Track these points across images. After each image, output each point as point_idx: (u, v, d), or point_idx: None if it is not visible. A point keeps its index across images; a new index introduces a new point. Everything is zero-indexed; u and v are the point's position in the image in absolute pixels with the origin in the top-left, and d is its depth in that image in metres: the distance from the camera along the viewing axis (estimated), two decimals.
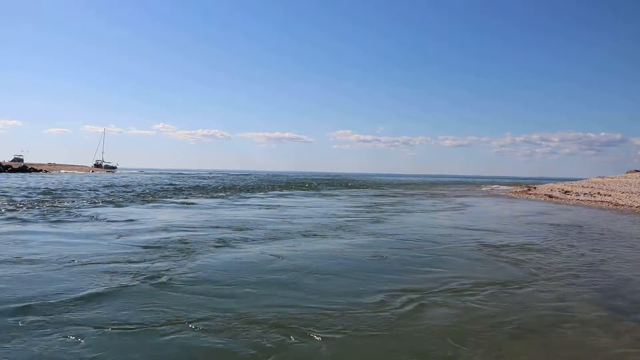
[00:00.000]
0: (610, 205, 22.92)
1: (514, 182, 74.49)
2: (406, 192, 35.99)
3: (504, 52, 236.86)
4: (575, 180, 42.36)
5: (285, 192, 32.84)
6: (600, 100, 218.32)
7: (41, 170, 68.66)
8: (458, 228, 13.17)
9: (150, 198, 22.20)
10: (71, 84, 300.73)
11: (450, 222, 14.95)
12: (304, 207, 19.23)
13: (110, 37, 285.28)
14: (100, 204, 18.09)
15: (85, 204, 17.79)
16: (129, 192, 26.72)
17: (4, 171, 61.53)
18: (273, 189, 36.71)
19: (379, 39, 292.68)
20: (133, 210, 15.86)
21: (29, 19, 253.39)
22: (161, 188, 32.03)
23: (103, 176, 61.29)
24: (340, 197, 27.52)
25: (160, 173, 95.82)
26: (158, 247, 8.57)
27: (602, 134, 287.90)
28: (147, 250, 8.33)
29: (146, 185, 36.17)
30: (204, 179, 60.47)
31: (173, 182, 42.93)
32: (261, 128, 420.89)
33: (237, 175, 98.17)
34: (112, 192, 26.21)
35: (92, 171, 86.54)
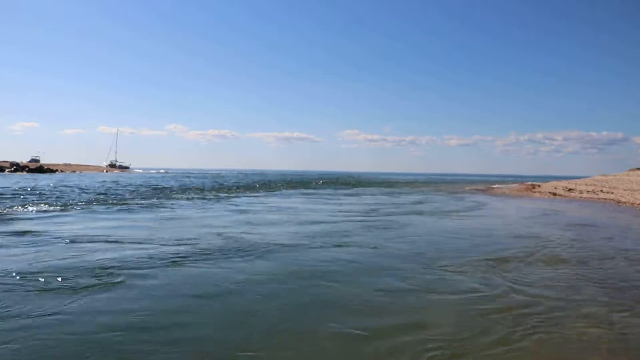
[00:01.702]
0: (613, 203, 24.19)
1: (519, 180, 75.57)
2: (423, 189, 37.34)
3: (508, 52, 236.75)
4: (579, 178, 43.52)
5: (283, 191, 34.18)
6: (602, 99, 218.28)
7: (57, 171, 70.43)
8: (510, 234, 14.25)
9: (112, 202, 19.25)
10: (86, 86, 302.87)
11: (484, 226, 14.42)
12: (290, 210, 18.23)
13: (123, 39, 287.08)
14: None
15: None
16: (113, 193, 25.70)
17: (22, 171, 63.40)
18: (277, 188, 37.63)
19: (384, 39, 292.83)
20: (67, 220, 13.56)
21: (45, 21, 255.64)
22: (154, 188, 32.06)
23: (108, 176, 62.99)
24: (341, 201, 26.47)
25: (166, 173, 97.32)
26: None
27: (605, 133, 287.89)
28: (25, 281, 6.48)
29: (138, 185, 35.54)
30: (204, 178, 62.47)
31: (169, 182, 43.26)
32: (270, 128, 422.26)
33: (245, 174, 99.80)
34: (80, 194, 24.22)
35: (106, 171, 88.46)
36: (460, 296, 6.22)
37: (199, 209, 17.58)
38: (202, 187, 34.92)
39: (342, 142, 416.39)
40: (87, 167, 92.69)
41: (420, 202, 23.77)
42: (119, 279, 6.68)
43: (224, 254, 8.60)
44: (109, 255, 8.27)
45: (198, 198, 23.38)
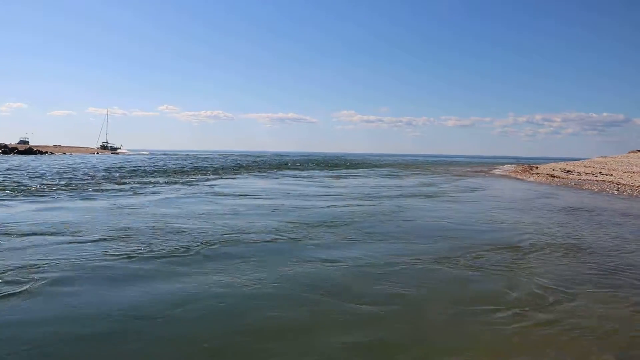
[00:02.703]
0: (612, 185, 23.31)
1: (517, 162, 74.74)
2: (422, 172, 36.44)
3: (506, 33, 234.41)
4: (578, 160, 42.63)
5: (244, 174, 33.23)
6: (603, 80, 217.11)
7: (47, 152, 69.19)
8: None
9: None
10: (75, 66, 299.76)
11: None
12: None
13: (113, 20, 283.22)
14: None
15: None
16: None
17: (10, 153, 62.09)
18: (250, 170, 36.83)
19: (382, 20, 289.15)
20: None
21: (33, 1, 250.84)
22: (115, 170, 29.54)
23: (88, 157, 61.82)
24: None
25: (152, 155, 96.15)
26: None
27: (605, 114, 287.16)
28: None
29: (114, 168, 33.53)
30: (189, 160, 59.30)
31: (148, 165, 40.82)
32: (264, 109, 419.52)
33: (235, 155, 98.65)
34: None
35: (97, 152, 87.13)
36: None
37: (156, 195, 15.41)
38: (176, 170, 32.77)
39: (337, 122, 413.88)
40: (77, 149, 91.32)
41: (427, 185, 22.83)
42: (21, 288, 5.17)
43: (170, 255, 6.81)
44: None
45: (165, 183, 20.64)
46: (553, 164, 39.51)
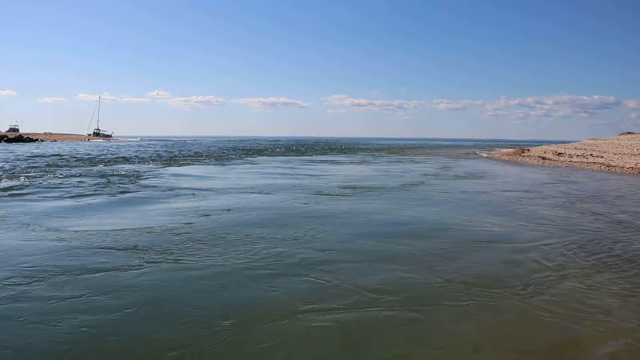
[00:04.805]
0: (603, 167, 23.71)
1: (509, 145, 75.32)
2: (415, 157, 36.63)
3: (497, 15, 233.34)
4: (569, 142, 43.07)
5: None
6: (594, 63, 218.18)
7: (37, 140, 68.44)
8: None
9: None
10: (64, 53, 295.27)
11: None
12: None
13: (102, 5, 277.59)
14: None
15: None
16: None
17: (0, 141, 61.37)
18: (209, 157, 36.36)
19: (374, 3, 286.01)
20: None
21: None
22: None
23: (84, 145, 61.33)
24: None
25: (139, 141, 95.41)
26: None
27: (596, 96, 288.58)
28: None
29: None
30: (169, 146, 56.38)
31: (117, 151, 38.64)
32: (256, 93, 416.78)
33: (225, 141, 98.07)
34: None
35: (88, 140, 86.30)
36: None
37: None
38: (144, 158, 29.63)
39: (328, 106, 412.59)
40: (69, 136, 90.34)
41: (424, 174, 23.05)
42: None
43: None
44: None
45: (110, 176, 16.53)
46: (544, 147, 39.91)
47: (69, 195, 11.84)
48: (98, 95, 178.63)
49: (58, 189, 12.89)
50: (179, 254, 6.24)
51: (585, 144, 35.85)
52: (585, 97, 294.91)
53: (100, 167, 21.59)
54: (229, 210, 9.75)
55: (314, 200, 11.46)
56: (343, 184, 15.21)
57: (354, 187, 14.16)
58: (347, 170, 21.99)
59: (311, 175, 18.65)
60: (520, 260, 6.24)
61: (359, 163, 28.35)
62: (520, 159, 32.22)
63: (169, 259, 6.01)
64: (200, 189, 13.20)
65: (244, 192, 12.76)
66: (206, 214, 9.27)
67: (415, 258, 6.29)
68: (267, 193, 12.65)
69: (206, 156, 33.56)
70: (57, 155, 31.32)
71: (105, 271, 5.48)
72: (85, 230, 7.63)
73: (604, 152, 29.29)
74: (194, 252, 6.36)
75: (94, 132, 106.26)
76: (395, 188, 14.28)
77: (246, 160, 30.34)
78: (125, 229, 7.79)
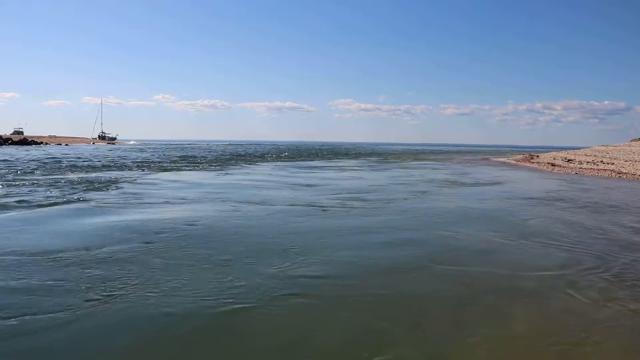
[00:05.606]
0: (613, 174, 22.50)
1: (517, 150, 73.76)
2: (423, 162, 35.58)
3: (506, 20, 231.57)
4: (579, 149, 41.75)
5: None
6: (604, 68, 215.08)
7: (42, 143, 68.33)
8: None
9: None
10: (70, 55, 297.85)
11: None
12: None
13: (109, 8, 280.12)
14: None
15: None
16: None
17: (4, 144, 61.21)
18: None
19: (380, 6, 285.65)
20: None
21: None
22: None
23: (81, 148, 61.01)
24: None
25: (139, 145, 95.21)
26: None
27: (606, 102, 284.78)
28: None
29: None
30: (169, 150, 54.69)
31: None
32: (261, 98, 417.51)
33: (226, 145, 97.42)
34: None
35: (93, 143, 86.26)
36: None
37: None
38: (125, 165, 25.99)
39: (335, 111, 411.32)
40: (73, 139, 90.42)
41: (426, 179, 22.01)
42: None
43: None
44: None
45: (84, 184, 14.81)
46: (554, 153, 38.74)
47: (24, 205, 10.50)
48: (101, 99, 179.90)
49: (19, 196, 11.86)
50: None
51: (595, 150, 34.64)
52: (595, 103, 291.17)
53: (83, 174, 19.79)
54: (186, 226, 8.51)
55: (305, 213, 10.12)
56: (349, 195, 13.50)
57: (362, 200, 12.58)
58: (351, 179, 20.33)
59: (309, 185, 16.43)
60: None
61: (373, 170, 27.03)
62: (529, 165, 31.06)
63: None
64: (168, 200, 11.71)
65: (219, 202, 11.51)
66: (148, 232, 7.58)
67: None
68: (250, 204, 11.37)
69: (206, 162, 32.61)
70: (53, 158, 30.71)
71: None
72: None
73: (614, 158, 28.11)
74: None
75: (99, 136, 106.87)
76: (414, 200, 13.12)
77: (243, 166, 29.21)
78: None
